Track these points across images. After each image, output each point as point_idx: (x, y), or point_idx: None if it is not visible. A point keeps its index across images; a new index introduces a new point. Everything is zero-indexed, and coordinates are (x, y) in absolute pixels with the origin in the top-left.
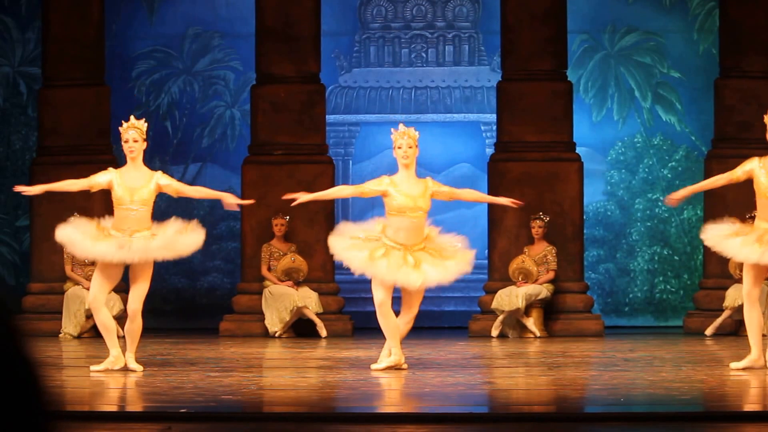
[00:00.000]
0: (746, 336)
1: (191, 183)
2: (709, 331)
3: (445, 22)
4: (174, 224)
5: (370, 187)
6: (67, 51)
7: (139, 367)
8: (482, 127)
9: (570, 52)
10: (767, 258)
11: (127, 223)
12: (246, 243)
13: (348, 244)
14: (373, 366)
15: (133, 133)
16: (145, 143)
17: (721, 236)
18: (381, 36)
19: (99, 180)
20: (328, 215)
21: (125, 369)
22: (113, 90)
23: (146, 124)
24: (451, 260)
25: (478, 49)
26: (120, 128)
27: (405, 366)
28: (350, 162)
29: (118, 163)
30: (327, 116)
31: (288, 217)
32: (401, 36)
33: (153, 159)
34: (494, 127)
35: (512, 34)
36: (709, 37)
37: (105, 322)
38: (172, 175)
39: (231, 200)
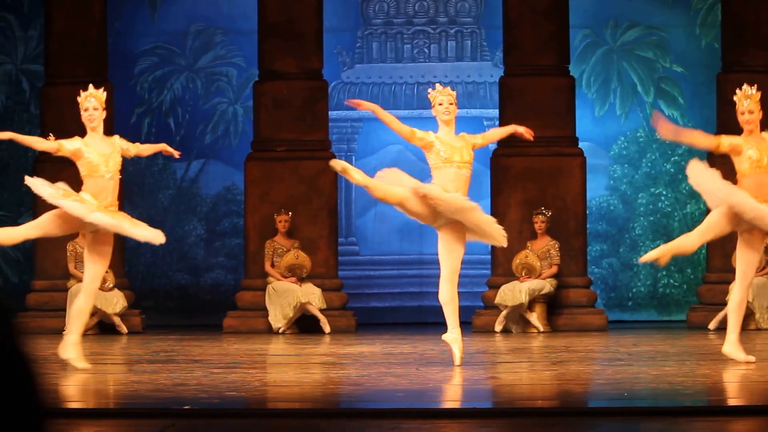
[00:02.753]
0: (750, 330)
1: (194, 180)
2: (712, 326)
3: (448, 18)
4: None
5: (419, 133)
6: (70, 48)
7: (85, 365)
8: (485, 123)
9: (572, 47)
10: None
11: (104, 192)
12: (249, 239)
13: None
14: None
15: (93, 101)
16: (104, 112)
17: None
18: (383, 32)
19: (67, 146)
20: (331, 212)
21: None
22: (116, 87)
23: (105, 93)
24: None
25: (481, 44)
26: (78, 98)
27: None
28: (353, 158)
29: (123, 162)
30: (330, 112)
31: (291, 213)
32: (403, 32)
33: (156, 155)
34: (497, 123)
35: (514, 30)
36: (712, 32)
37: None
38: (174, 172)
39: (170, 149)
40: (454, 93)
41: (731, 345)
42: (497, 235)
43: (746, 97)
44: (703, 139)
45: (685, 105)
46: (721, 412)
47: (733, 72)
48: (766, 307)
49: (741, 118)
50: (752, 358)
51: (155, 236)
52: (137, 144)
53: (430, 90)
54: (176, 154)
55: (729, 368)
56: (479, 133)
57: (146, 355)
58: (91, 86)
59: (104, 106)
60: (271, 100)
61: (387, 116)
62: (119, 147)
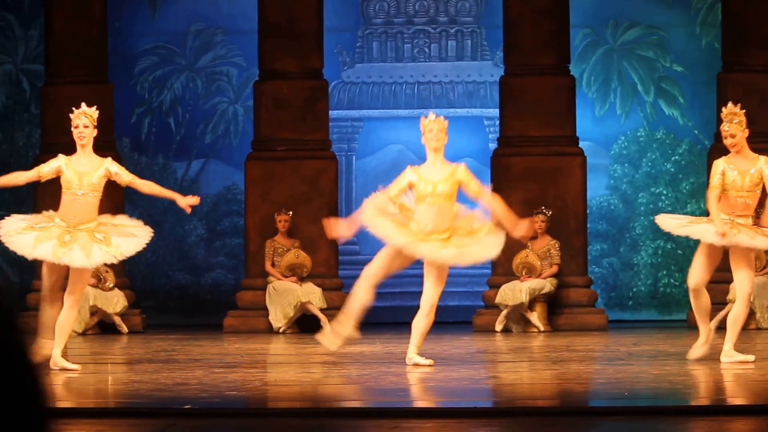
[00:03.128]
0: (751, 329)
1: (195, 180)
2: (713, 325)
3: (448, 17)
4: (122, 223)
5: (395, 189)
6: (70, 48)
7: (74, 366)
8: (485, 122)
9: (572, 46)
10: (737, 240)
11: (73, 210)
12: (249, 239)
13: (378, 214)
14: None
15: (84, 119)
16: (95, 131)
17: (682, 223)
18: (384, 31)
19: (46, 169)
20: (332, 211)
21: (62, 369)
22: (116, 87)
23: (98, 112)
24: (474, 245)
25: (481, 44)
26: (71, 114)
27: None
28: (353, 157)
29: (124, 162)
30: (330, 112)
31: (291, 213)
32: (404, 31)
33: (156, 155)
34: (497, 122)
35: (515, 29)
36: (712, 31)
37: (43, 319)
38: (175, 172)
39: (182, 202)
40: (446, 122)
41: (726, 354)
42: (471, 258)
43: (728, 119)
44: (714, 204)
45: (686, 104)
46: (722, 412)
47: (733, 71)
48: (767, 307)
49: (725, 142)
50: (751, 357)
51: (136, 245)
52: (136, 177)
53: (422, 117)
54: (188, 209)
55: (729, 368)
56: (478, 185)
57: (147, 355)
58: (83, 104)
59: (95, 124)
60: (271, 99)
61: (362, 208)
62: (105, 169)
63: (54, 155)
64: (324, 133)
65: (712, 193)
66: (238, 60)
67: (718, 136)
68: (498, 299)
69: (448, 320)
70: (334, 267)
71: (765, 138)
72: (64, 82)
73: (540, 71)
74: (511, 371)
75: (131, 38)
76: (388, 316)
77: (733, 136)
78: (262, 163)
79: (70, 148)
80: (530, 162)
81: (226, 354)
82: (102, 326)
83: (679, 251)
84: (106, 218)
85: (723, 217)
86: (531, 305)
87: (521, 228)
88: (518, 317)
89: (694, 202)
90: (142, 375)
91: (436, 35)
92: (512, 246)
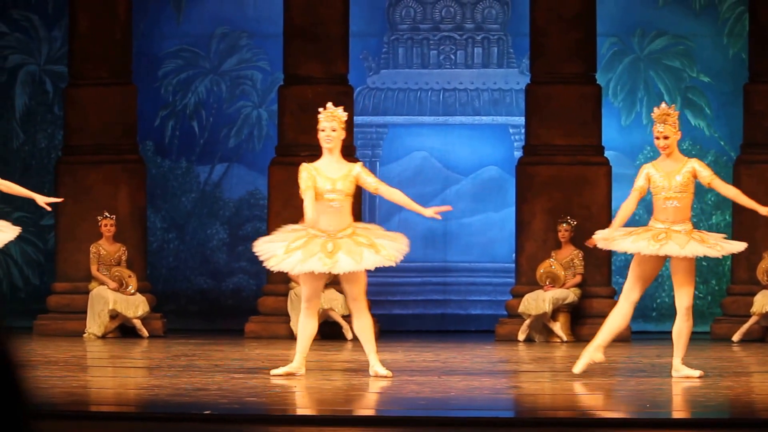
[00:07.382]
0: None
1: (218, 184)
2: (736, 337)
3: (474, 24)
4: None
5: (303, 184)
6: (94, 50)
7: None
8: (510, 130)
9: (599, 55)
10: (663, 251)
11: None
12: None
13: (270, 238)
14: (272, 371)
15: None
16: None
17: (611, 236)
18: (409, 37)
19: None
20: (355, 217)
21: None
22: (140, 89)
23: None
24: (371, 248)
25: (507, 51)
26: None
27: (301, 373)
28: (378, 164)
29: (145, 162)
30: (355, 117)
31: None
32: (430, 38)
33: (179, 159)
34: (523, 130)
35: (541, 37)
36: (739, 42)
37: None
38: (198, 176)
39: (41, 201)
40: (343, 116)
41: (675, 369)
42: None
43: (661, 119)
44: (629, 205)
45: (712, 115)
46: (744, 425)
47: (760, 82)
48: None
49: (657, 143)
50: (697, 373)
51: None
52: (11, 184)
53: (320, 110)
54: (47, 208)
55: (752, 381)
56: (376, 179)
57: (167, 360)
58: None
59: None
60: (295, 104)
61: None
62: None
63: (74, 156)
64: (348, 139)
65: (631, 195)
66: (262, 64)
67: (744, 148)
68: (521, 309)
69: (470, 329)
70: None
71: None
72: (87, 84)
73: (566, 80)
74: (533, 382)
75: (156, 41)
76: (410, 324)
77: (666, 138)
78: (285, 168)
79: (92, 150)
80: (555, 171)
81: (246, 360)
82: (122, 330)
83: (704, 263)
84: None
85: (659, 226)
86: (554, 315)
87: (430, 211)
88: (541, 327)
89: (719, 214)
90: (162, 380)
91: (462, 42)
92: (536, 255)
